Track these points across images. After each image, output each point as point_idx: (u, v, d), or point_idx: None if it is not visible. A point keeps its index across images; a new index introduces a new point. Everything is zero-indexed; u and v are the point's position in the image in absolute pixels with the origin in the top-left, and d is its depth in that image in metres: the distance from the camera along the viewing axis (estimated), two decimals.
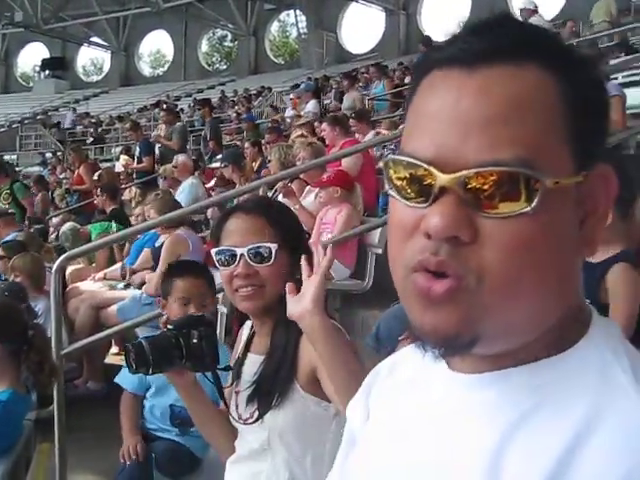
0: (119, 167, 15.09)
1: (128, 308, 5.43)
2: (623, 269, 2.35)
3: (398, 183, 0.77)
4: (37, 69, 47.00)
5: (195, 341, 2.00)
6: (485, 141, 0.72)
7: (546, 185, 0.72)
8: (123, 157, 14.04)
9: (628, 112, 8.87)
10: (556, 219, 0.74)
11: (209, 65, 45.09)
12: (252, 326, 2.18)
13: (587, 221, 0.78)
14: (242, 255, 1.97)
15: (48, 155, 27.22)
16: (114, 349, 6.34)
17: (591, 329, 0.80)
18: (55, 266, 3.96)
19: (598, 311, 2.26)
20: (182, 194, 8.56)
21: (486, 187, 0.72)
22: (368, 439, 0.95)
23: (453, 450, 0.79)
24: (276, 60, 41.80)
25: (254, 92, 26.81)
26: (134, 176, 12.03)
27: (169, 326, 2.06)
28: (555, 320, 0.78)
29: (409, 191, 0.76)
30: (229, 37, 46.02)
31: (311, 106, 13.94)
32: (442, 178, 0.73)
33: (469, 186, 0.72)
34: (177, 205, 6.06)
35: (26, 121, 36.63)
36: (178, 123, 12.31)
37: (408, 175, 0.76)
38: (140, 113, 30.38)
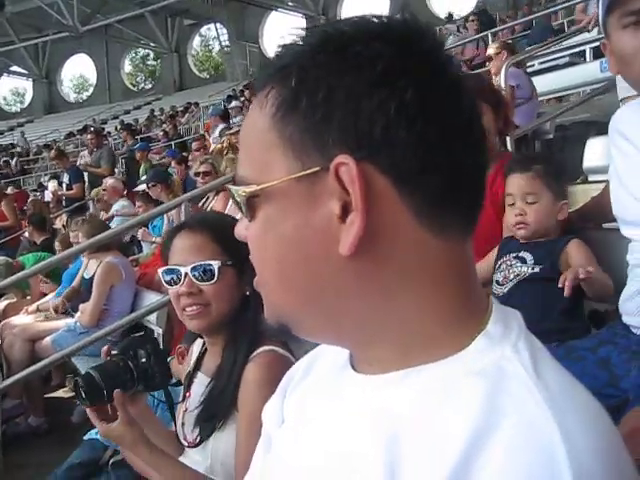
0: (48, 195, 14.86)
1: (63, 338, 5.30)
2: (579, 242, 2.49)
3: None
4: None
5: (144, 360, 1.94)
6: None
7: (241, 194, 0.80)
8: (51, 184, 13.81)
9: (550, 96, 9.07)
10: (278, 218, 0.78)
11: (134, 85, 44.70)
12: (204, 343, 2.14)
13: (349, 215, 0.74)
14: (186, 274, 1.93)
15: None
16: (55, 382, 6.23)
17: (490, 324, 0.77)
18: None
19: (557, 279, 2.27)
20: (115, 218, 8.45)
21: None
22: (279, 443, 0.94)
23: (346, 457, 0.77)
24: (201, 75, 41.63)
25: (181, 109, 26.64)
26: (64, 204, 11.82)
27: (113, 351, 1.97)
28: (409, 317, 0.77)
29: None
30: (152, 55, 45.69)
31: (219, 130, 13.82)
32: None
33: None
34: (106, 228, 5.95)
35: None
36: (105, 146, 12.17)
37: None
38: (67, 140, 29.94)
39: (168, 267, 1.98)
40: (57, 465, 3.52)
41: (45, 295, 7.15)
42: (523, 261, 2.51)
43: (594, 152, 4.01)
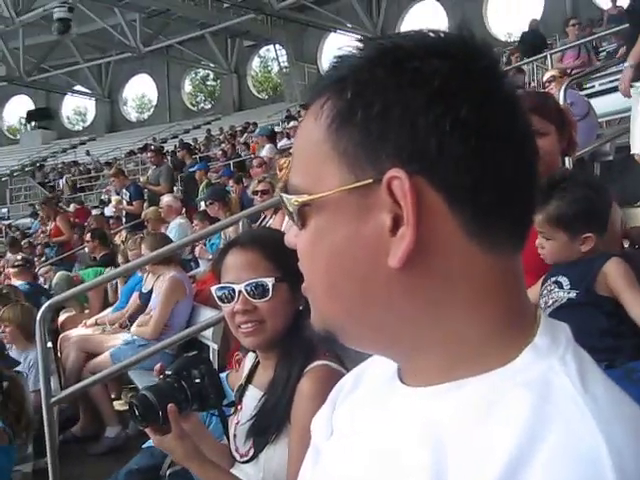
0: (109, 211, 15.12)
1: (122, 351, 5.39)
2: (618, 261, 2.39)
3: None
4: (23, 121, 47.29)
5: (198, 381, 1.97)
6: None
7: (294, 204, 0.81)
8: (114, 197, 14.06)
9: (603, 119, 8.92)
10: (328, 228, 0.79)
11: (193, 105, 45.34)
12: (256, 356, 2.15)
13: (398, 229, 0.74)
14: (240, 292, 1.93)
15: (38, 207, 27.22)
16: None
17: (537, 337, 0.77)
18: (40, 314, 3.93)
19: (594, 302, 2.22)
20: (170, 234, 8.55)
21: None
22: (327, 454, 0.94)
23: (392, 471, 0.78)
24: (259, 95, 42.06)
25: (239, 129, 26.93)
26: (123, 220, 12.04)
27: (167, 372, 2.00)
28: (456, 329, 0.77)
29: None
30: (211, 76, 46.35)
31: (266, 151, 13.98)
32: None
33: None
34: (168, 242, 6.05)
35: (15, 174, 36.77)
36: (164, 165, 12.35)
37: None
38: (128, 158, 30.51)
39: (221, 285, 1.99)
40: (113, 476, 3.57)
41: (103, 309, 7.30)
42: (560, 286, 2.46)
43: None
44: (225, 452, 2.08)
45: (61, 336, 6.53)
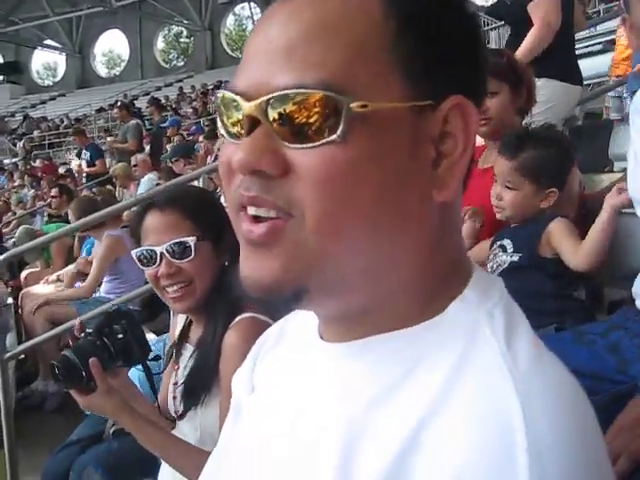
0: (75, 167, 14.94)
1: (88, 307, 5.30)
2: (562, 220, 2.39)
3: (227, 122, 0.73)
4: None
5: (120, 336, 1.92)
6: (289, 66, 0.66)
7: (352, 109, 0.65)
8: (74, 162, 13.91)
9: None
10: (379, 149, 0.66)
11: (166, 62, 44.76)
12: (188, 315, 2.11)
13: (443, 161, 0.70)
14: (162, 254, 1.88)
15: (6, 162, 26.84)
16: None
17: (467, 289, 0.73)
18: None
19: (537, 265, 2.21)
20: (140, 189, 8.44)
21: (291, 114, 0.66)
22: (249, 412, 0.91)
23: (308, 428, 0.75)
24: (233, 54, 41.57)
25: (212, 87, 26.64)
26: (84, 181, 11.91)
27: (88, 330, 1.94)
28: (412, 274, 0.72)
29: (234, 128, 0.71)
30: (185, 33, 45.72)
31: None
32: (245, 106, 0.68)
33: (273, 115, 0.66)
34: (96, 204, 5.94)
35: None
36: (132, 121, 12.16)
37: (233, 111, 0.71)
38: (98, 114, 30.11)
39: (141, 248, 1.93)
40: (71, 431, 3.53)
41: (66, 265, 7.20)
42: (504, 249, 2.44)
43: (621, 138, 3.92)
44: (156, 412, 2.04)
45: (22, 292, 6.44)
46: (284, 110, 0.66)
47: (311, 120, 0.65)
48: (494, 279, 0.77)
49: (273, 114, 0.67)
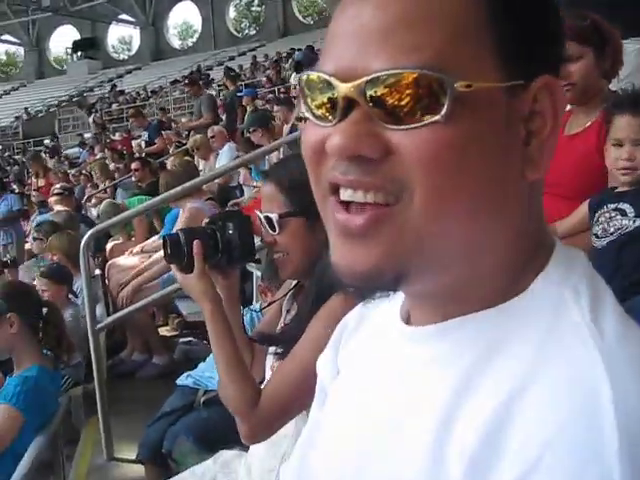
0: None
1: (172, 279, 5.39)
2: None
3: (311, 104, 0.72)
4: (69, 52, 47.38)
5: (230, 232, 1.99)
6: (386, 49, 0.66)
7: (457, 89, 0.64)
8: (134, 143, 14.15)
9: None
10: (480, 129, 0.67)
11: (238, 31, 44.88)
12: None
13: (532, 139, 0.70)
14: (262, 222, 1.96)
15: (87, 136, 27.43)
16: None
17: (549, 265, 0.73)
18: (83, 241, 3.94)
19: None
20: (222, 161, 8.52)
21: (391, 96, 0.65)
22: (335, 397, 0.92)
23: (404, 411, 0.74)
24: (305, 20, 41.40)
25: (284, 55, 26.59)
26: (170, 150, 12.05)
27: (205, 220, 2.06)
28: (502, 253, 0.72)
29: (320, 110, 0.71)
30: (256, 1, 45.68)
31: (294, 79, 14.02)
32: (342, 87, 0.67)
33: (372, 96, 0.66)
34: (189, 175, 6.00)
35: (63, 104, 37.04)
36: (204, 95, 12.21)
37: (318, 93, 0.70)
38: (173, 86, 30.44)
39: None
40: (160, 400, 3.62)
41: (149, 237, 7.34)
42: (623, 213, 2.36)
43: None
44: (241, 328, 2.10)
45: (109, 263, 6.59)
46: (384, 91, 0.65)
47: (413, 101, 0.65)
48: (576, 252, 0.76)
49: (373, 95, 0.66)
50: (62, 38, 48.69)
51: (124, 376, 5.34)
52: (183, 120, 13.51)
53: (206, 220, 2.05)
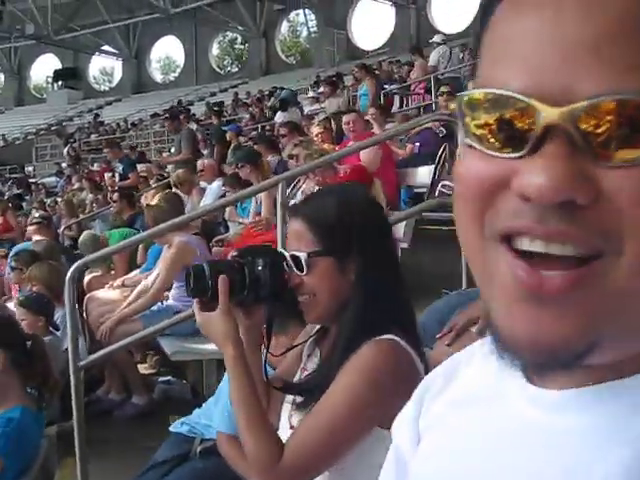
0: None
1: (154, 317, 5.23)
2: None
3: (478, 131, 0.58)
4: (50, 80, 47.21)
5: (259, 268, 1.87)
6: (600, 65, 0.52)
7: None
8: (107, 175, 14.08)
9: None
10: None
11: (220, 68, 45.05)
12: None
13: None
14: (288, 262, 1.86)
15: (64, 165, 27.24)
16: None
17: None
18: (69, 274, 3.80)
19: None
20: (209, 197, 8.44)
21: (604, 126, 0.52)
22: (424, 467, 0.77)
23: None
24: (287, 60, 41.68)
25: (267, 93, 26.67)
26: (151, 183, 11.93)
27: (233, 252, 1.96)
28: None
29: (495, 138, 0.57)
30: (239, 39, 45.98)
31: (278, 118, 14.32)
32: (550, 113, 0.53)
33: (581, 126, 0.52)
34: (175, 210, 5.90)
35: (41, 132, 36.82)
36: (184, 129, 12.18)
37: (494, 117, 0.56)
38: (153, 119, 30.38)
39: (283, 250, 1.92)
40: (138, 442, 3.46)
41: (129, 270, 7.20)
42: None
43: None
44: (261, 372, 1.96)
45: (87, 296, 6.43)
46: (597, 121, 0.52)
47: (629, 131, 0.52)
48: None
49: (586, 126, 0.53)
50: (43, 66, 48.56)
51: (101, 415, 5.16)
52: (164, 155, 13.45)
53: (234, 253, 1.93)
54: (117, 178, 11.81)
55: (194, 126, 17.72)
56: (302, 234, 1.84)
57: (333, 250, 1.80)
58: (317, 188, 6.07)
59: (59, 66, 45.66)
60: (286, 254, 1.84)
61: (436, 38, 15.86)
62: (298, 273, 1.82)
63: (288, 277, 1.85)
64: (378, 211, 1.97)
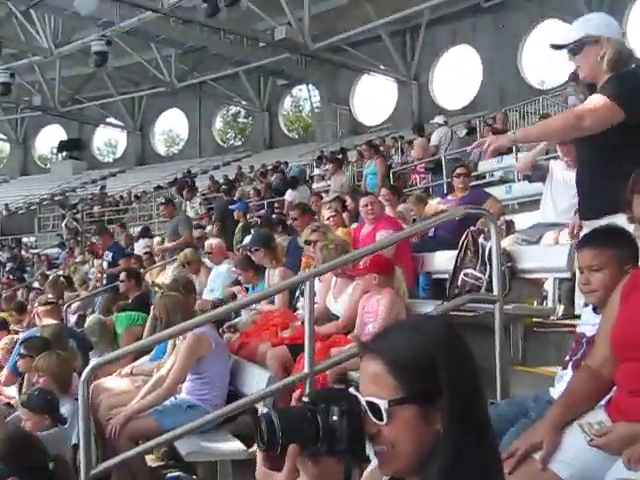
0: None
1: (168, 414, 5.02)
2: None
3: None
4: (54, 151, 47.60)
5: (335, 418, 1.62)
6: None
7: None
8: (96, 262, 14.02)
9: None
10: None
11: (224, 142, 45.43)
12: None
13: None
14: (365, 409, 1.62)
15: (67, 237, 27.21)
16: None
17: None
18: (83, 376, 3.62)
19: None
20: (218, 280, 8.30)
21: None
22: None
23: None
24: (290, 134, 42.07)
25: (270, 167, 26.82)
26: (104, 282, 11.91)
27: (305, 399, 1.68)
28: None
29: None
30: (243, 113, 46.50)
31: (289, 196, 14.55)
32: None
33: None
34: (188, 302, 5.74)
35: (44, 202, 36.93)
36: (179, 214, 12.22)
37: None
38: (157, 191, 30.49)
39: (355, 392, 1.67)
40: None
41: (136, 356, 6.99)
42: None
43: None
44: None
45: (94, 384, 6.19)
46: None
47: None
48: None
49: None
50: (49, 137, 49.03)
51: None
52: (155, 245, 13.39)
53: (305, 399, 1.70)
54: (106, 265, 11.69)
55: (197, 201, 17.82)
56: (380, 377, 1.61)
57: (418, 397, 1.59)
58: (336, 279, 5.93)
59: (64, 137, 46.02)
60: (362, 399, 1.62)
61: (437, 119, 16.16)
62: (377, 422, 1.60)
63: (363, 423, 1.63)
64: (464, 346, 1.70)
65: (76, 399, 5.49)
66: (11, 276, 21.95)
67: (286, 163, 27.35)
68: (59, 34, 31.20)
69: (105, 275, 11.69)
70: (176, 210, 12.43)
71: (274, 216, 13.28)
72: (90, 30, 29.68)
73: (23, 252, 28.59)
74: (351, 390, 1.69)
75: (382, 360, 1.62)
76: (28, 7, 28.20)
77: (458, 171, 8.16)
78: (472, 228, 5.96)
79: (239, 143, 45.25)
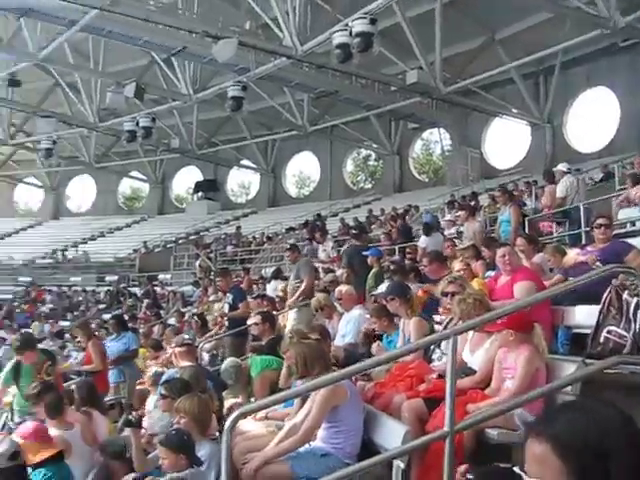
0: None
1: (304, 462, 5.06)
2: None
3: None
4: (190, 191, 49.40)
5: None
6: None
7: None
8: (216, 305, 14.28)
9: None
10: None
11: (354, 184, 45.82)
12: None
13: None
14: None
15: (200, 275, 28.02)
16: None
17: None
18: (227, 426, 3.70)
19: None
20: (349, 325, 8.36)
21: None
22: None
23: None
24: (420, 178, 42.00)
25: (401, 210, 26.82)
26: (226, 324, 12.11)
27: (469, 476, 1.72)
28: None
29: None
30: (373, 156, 46.82)
31: (422, 242, 14.75)
32: None
33: None
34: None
35: (180, 241, 38.28)
36: (302, 259, 12.39)
37: None
38: (287, 233, 31.03)
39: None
40: None
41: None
42: None
43: None
44: None
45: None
46: None
47: None
48: None
49: None
50: (185, 178, 50.96)
51: None
52: (280, 291, 13.73)
53: (470, 476, 1.67)
54: (227, 308, 11.94)
55: (330, 244, 17.98)
56: (547, 460, 1.55)
57: (600, 475, 1.51)
58: (473, 332, 5.83)
59: (200, 178, 47.69)
60: None
61: (560, 167, 15.27)
62: None
63: None
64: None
65: (212, 439, 5.67)
66: (148, 312, 22.82)
67: (417, 207, 27.29)
68: (198, 80, 32.50)
69: (226, 318, 11.95)
70: (300, 255, 12.65)
71: (407, 262, 13.27)
72: (227, 76, 30.83)
73: (158, 289, 29.62)
74: (516, 469, 1.65)
75: (549, 441, 1.56)
76: (169, 55, 29.53)
77: (599, 221, 7.89)
78: (615, 282, 5.74)
79: (369, 186, 45.53)
